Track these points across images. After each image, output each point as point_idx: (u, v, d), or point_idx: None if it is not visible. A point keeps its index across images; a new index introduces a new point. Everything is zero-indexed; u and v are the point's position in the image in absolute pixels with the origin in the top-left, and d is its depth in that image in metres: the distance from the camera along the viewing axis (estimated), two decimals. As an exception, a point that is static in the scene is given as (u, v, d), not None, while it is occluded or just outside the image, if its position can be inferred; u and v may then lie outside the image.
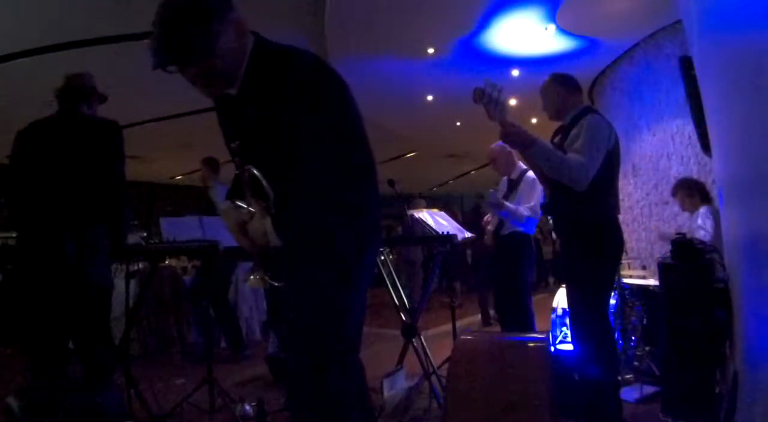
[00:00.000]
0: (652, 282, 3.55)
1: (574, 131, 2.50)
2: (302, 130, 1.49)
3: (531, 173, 3.80)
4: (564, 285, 4.09)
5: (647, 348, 3.35)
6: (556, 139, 2.63)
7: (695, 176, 4.47)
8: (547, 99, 2.69)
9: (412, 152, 10.50)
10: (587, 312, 2.51)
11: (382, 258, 3.93)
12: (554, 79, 2.68)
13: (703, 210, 3.75)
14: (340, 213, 1.54)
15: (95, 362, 2.42)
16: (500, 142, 3.99)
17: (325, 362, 1.55)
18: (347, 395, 1.60)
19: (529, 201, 3.73)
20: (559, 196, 2.56)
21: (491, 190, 3.91)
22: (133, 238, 3.02)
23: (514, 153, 3.93)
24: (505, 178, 3.98)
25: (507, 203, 3.72)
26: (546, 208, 2.75)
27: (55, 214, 2.35)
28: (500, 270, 3.95)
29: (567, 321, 3.78)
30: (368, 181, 1.62)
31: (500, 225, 3.85)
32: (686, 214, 4.10)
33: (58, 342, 2.42)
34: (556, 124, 2.79)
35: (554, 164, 2.40)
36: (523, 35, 5.35)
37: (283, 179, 1.50)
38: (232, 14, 1.51)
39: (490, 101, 2.30)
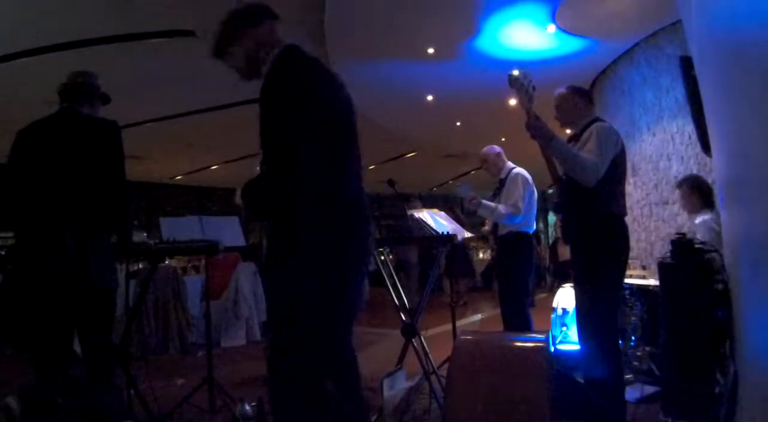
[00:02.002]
0: (652, 282, 3.54)
1: (584, 136, 2.65)
2: (279, 128, 1.62)
3: (516, 171, 3.86)
4: (564, 286, 4.10)
5: (647, 348, 3.35)
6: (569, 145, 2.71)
7: (695, 176, 4.45)
8: (564, 109, 2.80)
9: (412, 152, 10.49)
10: (594, 312, 2.56)
11: (382, 258, 3.94)
12: (575, 91, 2.81)
13: (699, 220, 3.62)
14: (322, 213, 1.62)
15: (97, 362, 2.42)
16: (492, 146, 4.05)
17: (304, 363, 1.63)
18: (328, 401, 1.63)
19: (509, 197, 3.74)
20: (569, 196, 2.66)
21: (458, 185, 3.97)
22: (138, 237, 3.02)
23: (503, 155, 3.99)
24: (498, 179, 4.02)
25: (484, 201, 3.75)
26: (557, 206, 2.81)
27: (56, 215, 2.34)
28: (499, 270, 3.96)
29: (567, 321, 3.79)
30: (352, 175, 1.70)
31: (496, 225, 3.86)
32: (685, 214, 4.06)
33: (61, 342, 2.42)
34: (555, 125, 2.85)
35: (569, 159, 2.55)
36: (523, 35, 5.34)
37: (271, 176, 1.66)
38: (252, 29, 1.84)
39: (521, 88, 2.45)
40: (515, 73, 2.48)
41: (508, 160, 4.03)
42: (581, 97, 2.81)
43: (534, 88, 2.48)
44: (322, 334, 1.68)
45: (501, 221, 3.74)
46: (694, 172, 4.57)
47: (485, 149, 4.05)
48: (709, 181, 3.97)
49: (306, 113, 1.61)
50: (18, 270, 2.48)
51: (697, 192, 3.78)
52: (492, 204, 3.74)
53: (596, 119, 2.74)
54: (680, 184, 3.97)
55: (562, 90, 2.83)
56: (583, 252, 2.66)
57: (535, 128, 2.52)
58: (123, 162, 2.50)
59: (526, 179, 3.80)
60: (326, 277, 1.64)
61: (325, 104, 1.67)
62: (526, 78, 2.47)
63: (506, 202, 3.74)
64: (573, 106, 2.78)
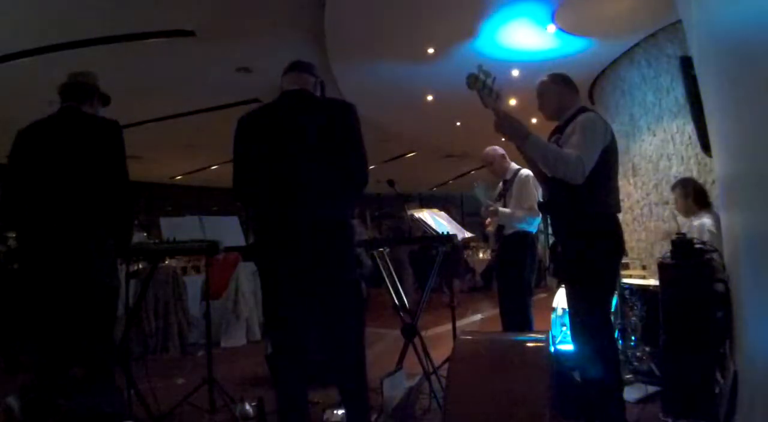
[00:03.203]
0: (652, 282, 3.54)
1: (568, 129, 2.48)
2: None
3: (523, 171, 3.82)
4: (564, 285, 4.10)
5: (647, 348, 3.35)
6: (553, 139, 2.60)
7: (695, 176, 4.46)
8: (546, 98, 2.64)
9: (411, 152, 10.50)
10: (588, 312, 2.49)
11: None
12: (555, 78, 2.64)
13: (697, 223, 3.57)
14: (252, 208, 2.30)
15: (98, 361, 2.42)
16: (494, 147, 4.04)
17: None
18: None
19: (525, 201, 3.75)
20: (557, 194, 2.54)
21: (476, 183, 3.95)
22: (137, 238, 3.03)
23: (506, 155, 3.97)
24: (501, 180, 4.02)
25: (501, 209, 3.76)
26: (544, 206, 2.73)
27: (59, 214, 2.34)
28: (501, 270, 3.96)
29: (567, 320, 3.79)
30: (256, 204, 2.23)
31: (501, 225, 3.85)
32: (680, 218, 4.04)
33: (64, 341, 2.42)
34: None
35: (549, 157, 2.40)
36: (523, 36, 5.35)
37: None
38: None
39: (483, 87, 2.30)
40: (473, 72, 2.30)
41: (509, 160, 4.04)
42: (564, 84, 2.62)
43: (494, 81, 2.30)
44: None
45: (519, 224, 3.74)
46: (694, 172, 4.57)
47: (489, 151, 4.02)
48: (710, 180, 3.97)
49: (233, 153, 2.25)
50: (22, 269, 2.48)
51: (692, 194, 3.72)
52: (508, 210, 3.74)
53: (582, 109, 2.57)
54: (673, 188, 3.92)
55: (544, 78, 2.66)
56: (574, 253, 2.54)
57: (506, 127, 2.38)
58: (125, 161, 2.50)
59: (536, 180, 3.80)
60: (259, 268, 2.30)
61: (239, 139, 2.25)
62: (488, 75, 2.30)
63: (521, 204, 3.75)
64: (555, 94, 2.61)
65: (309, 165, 2.15)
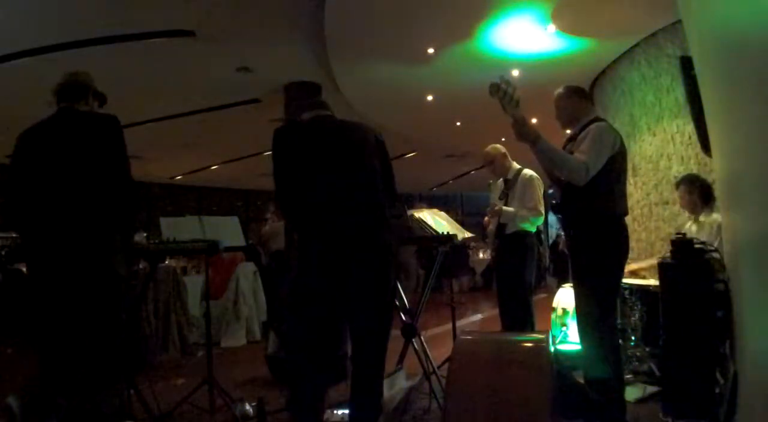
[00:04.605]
0: (652, 282, 3.54)
1: (581, 136, 2.66)
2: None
3: (527, 171, 3.86)
4: (564, 286, 4.11)
5: (647, 348, 3.35)
6: (568, 146, 2.73)
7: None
8: (562, 109, 2.83)
9: (411, 152, 10.49)
10: (594, 311, 2.57)
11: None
12: (571, 90, 2.82)
13: (703, 218, 3.60)
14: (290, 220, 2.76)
15: (105, 361, 2.42)
16: (495, 146, 4.05)
17: None
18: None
19: (529, 200, 3.76)
20: (568, 195, 2.66)
21: (491, 181, 4.01)
22: (136, 237, 3.03)
23: (508, 155, 3.99)
24: (501, 179, 4.02)
25: (505, 208, 3.77)
26: (556, 207, 2.83)
27: (65, 213, 2.34)
28: (501, 269, 3.96)
29: (567, 320, 3.79)
30: (308, 195, 2.26)
31: (501, 225, 3.85)
32: (686, 214, 4.05)
33: (72, 340, 2.41)
34: (555, 124, 2.90)
35: (555, 159, 2.59)
36: (523, 36, 5.34)
37: None
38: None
39: (505, 96, 2.45)
40: (496, 82, 2.47)
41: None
42: (579, 96, 2.82)
43: (515, 88, 2.48)
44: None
45: (522, 223, 3.76)
46: (694, 172, 4.56)
47: (489, 149, 4.03)
48: (709, 181, 3.97)
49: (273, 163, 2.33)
50: (30, 268, 2.49)
51: (697, 190, 3.74)
52: (512, 209, 3.76)
53: (596, 119, 2.74)
54: (677, 185, 3.96)
55: (560, 90, 2.85)
56: (582, 252, 2.66)
57: (521, 133, 2.54)
58: (126, 156, 2.50)
59: (540, 180, 3.81)
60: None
61: (278, 156, 2.32)
62: (509, 85, 2.47)
63: (525, 203, 3.76)
64: (570, 105, 2.80)
65: (350, 179, 2.27)
